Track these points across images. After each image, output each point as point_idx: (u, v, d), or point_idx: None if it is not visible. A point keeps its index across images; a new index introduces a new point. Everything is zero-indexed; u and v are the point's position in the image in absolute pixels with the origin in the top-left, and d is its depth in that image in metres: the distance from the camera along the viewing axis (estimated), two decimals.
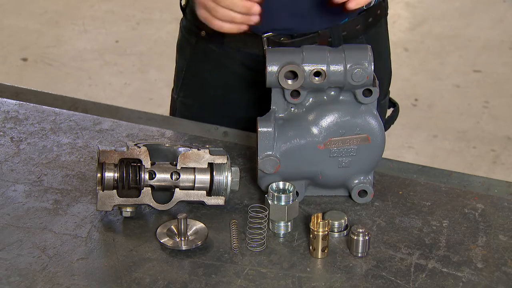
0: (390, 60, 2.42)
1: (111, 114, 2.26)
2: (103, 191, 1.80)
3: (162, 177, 1.82)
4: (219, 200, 1.85)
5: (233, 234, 1.80)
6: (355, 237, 1.74)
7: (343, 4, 1.87)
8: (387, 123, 2.41)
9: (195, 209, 1.89)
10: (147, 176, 1.81)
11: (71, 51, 5.62)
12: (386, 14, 2.32)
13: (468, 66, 5.51)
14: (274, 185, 1.82)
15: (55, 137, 2.14)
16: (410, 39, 5.80)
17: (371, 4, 2.14)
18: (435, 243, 1.80)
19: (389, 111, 2.45)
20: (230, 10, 1.86)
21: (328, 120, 1.85)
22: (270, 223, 1.81)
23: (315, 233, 1.73)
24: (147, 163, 1.81)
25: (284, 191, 1.81)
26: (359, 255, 1.75)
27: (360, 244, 1.74)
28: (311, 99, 1.87)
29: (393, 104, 2.45)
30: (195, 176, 1.83)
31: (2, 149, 2.09)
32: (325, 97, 1.87)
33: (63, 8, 6.13)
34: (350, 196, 1.92)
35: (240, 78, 2.18)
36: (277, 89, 1.86)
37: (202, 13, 1.94)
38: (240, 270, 1.72)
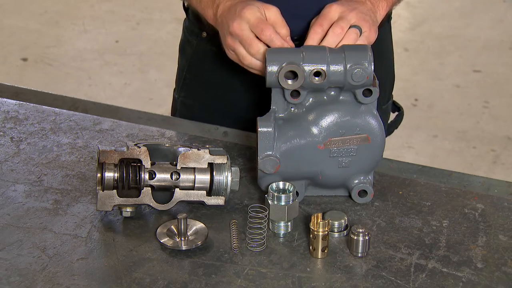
0: (394, 65, 2.41)
1: (111, 114, 2.26)
2: (103, 191, 1.80)
3: (162, 177, 1.82)
4: (219, 200, 1.85)
5: (233, 234, 1.80)
6: (355, 237, 1.74)
7: None
8: (390, 127, 2.39)
9: (195, 209, 1.89)
10: (147, 176, 1.81)
11: (71, 51, 5.62)
12: (390, 18, 2.31)
13: (468, 66, 5.51)
14: (274, 185, 1.81)
15: (55, 137, 2.14)
16: (410, 39, 5.80)
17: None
18: (435, 243, 1.80)
19: (393, 115, 2.43)
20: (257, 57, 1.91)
21: (328, 120, 1.85)
22: (270, 223, 1.81)
23: (315, 233, 1.73)
24: (147, 163, 1.81)
25: (284, 191, 1.81)
26: (359, 255, 1.75)
27: (360, 244, 1.74)
28: (311, 99, 1.87)
29: (398, 108, 2.43)
30: (195, 176, 1.83)
31: (2, 149, 2.09)
32: (325, 97, 1.87)
33: (63, 8, 6.13)
34: (350, 196, 1.92)
35: (240, 79, 2.18)
36: (277, 89, 1.86)
37: (231, 56, 1.97)
38: (240, 270, 1.72)
